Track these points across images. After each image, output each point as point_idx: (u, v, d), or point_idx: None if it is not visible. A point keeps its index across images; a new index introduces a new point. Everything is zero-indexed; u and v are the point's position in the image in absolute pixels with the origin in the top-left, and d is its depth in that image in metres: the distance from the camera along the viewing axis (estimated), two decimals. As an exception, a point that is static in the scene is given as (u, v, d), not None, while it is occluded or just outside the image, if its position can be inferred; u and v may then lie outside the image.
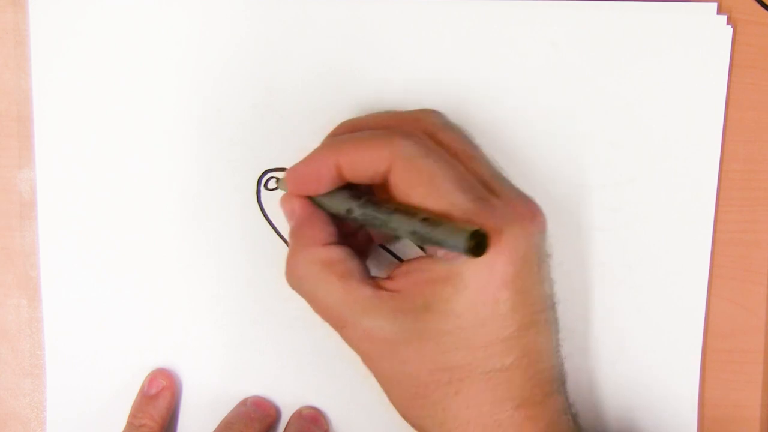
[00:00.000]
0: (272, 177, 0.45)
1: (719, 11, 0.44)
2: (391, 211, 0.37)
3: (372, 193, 0.40)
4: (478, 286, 0.36)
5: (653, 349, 0.45)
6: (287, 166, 0.45)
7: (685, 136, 0.45)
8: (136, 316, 0.46)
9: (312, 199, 0.40)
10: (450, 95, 0.44)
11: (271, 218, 0.45)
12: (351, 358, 0.45)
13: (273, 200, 0.45)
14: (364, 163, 0.38)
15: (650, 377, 0.46)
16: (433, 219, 0.36)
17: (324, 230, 0.39)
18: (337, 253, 0.39)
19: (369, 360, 0.38)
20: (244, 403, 0.46)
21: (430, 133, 0.39)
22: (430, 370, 0.37)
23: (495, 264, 0.36)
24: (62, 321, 0.46)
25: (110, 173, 0.45)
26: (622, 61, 0.44)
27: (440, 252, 0.37)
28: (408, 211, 0.37)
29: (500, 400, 0.37)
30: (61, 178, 0.45)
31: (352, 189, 0.40)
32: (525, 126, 0.45)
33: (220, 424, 0.45)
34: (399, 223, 0.37)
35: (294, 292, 0.45)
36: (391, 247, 0.45)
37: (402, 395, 0.38)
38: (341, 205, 0.39)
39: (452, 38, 0.44)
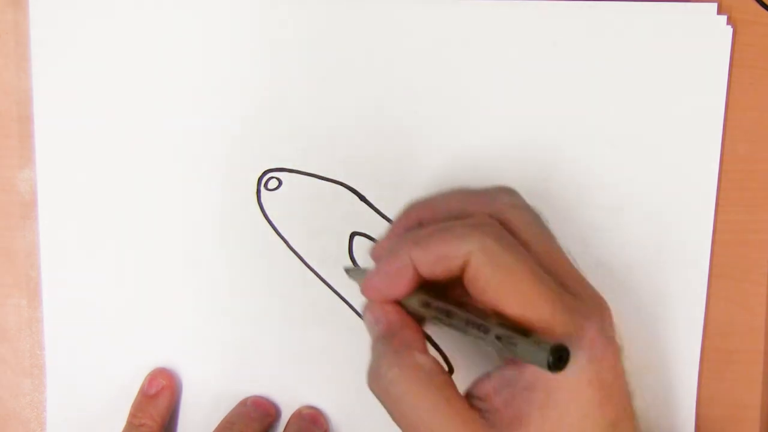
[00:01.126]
0: (272, 177, 0.45)
1: (719, 11, 0.44)
2: (464, 321, 0.36)
3: (445, 291, 0.39)
4: (568, 389, 0.35)
5: (653, 349, 0.45)
6: (287, 166, 0.45)
7: (685, 136, 0.45)
8: (136, 316, 0.46)
9: None
10: (450, 96, 0.44)
11: (271, 218, 0.45)
12: (351, 358, 0.45)
13: (273, 200, 0.45)
14: (439, 260, 0.37)
15: (650, 377, 0.46)
16: (508, 335, 0.35)
17: (418, 336, 0.38)
18: (432, 362, 0.37)
19: None
20: (244, 403, 0.46)
21: (505, 217, 0.38)
22: None
23: (579, 365, 0.35)
24: (62, 321, 0.46)
25: (110, 173, 0.45)
26: (621, 61, 0.44)
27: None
28: (482, 325, 0.36)
29: None
30: (61, 178, 0.45)
31: (423, 290, 0.39)
32: (525, 126, 0.45)
33: (220, 423, 0.45)
34: (475, 336, 0.36)
35: (294, 293, 0.45)
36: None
37: None
38: (413, 305, 0.38)
39: (452, 38, 0.44)
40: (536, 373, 0.36)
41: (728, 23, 0.44)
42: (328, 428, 0.46)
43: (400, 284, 0.38)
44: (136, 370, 0.46)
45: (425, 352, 0.37)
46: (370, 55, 0.44)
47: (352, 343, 0.45)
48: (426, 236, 0.37)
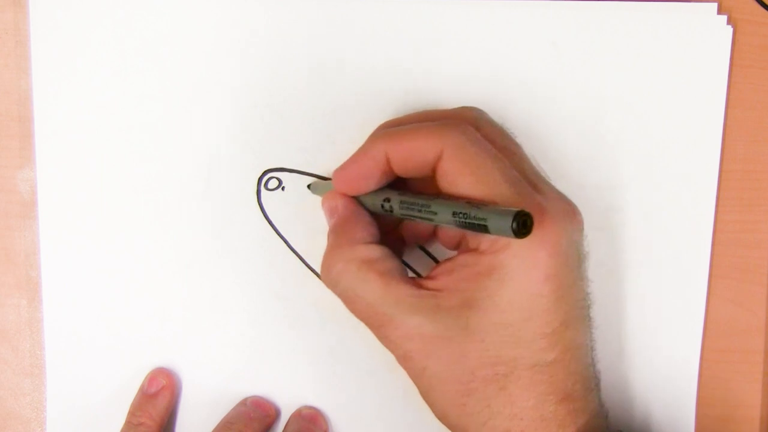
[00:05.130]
0: (272, 177, 0.45)
1: (719, 11, 0.44)
2: (432, 197, 0.37)
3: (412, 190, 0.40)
4: (521, 279, 0.36)
5: (653, 349, 0.45)
6: (287, 166, 0.45)
7: (685, 136, 0.45)
8: (136, 316, 0.46)
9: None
10: (450, 96, 0.44)
11: (271, 218, 0.45)
12: (351, 358, 0.45)
13: (273, 200, 0.45)
14: (414, 152, 0.38)
15: (650, 377, 0.46)
16: (477, 203, 0.35)
17: (365, 229, 0.39)
18: (378, 251, 0.38)
19: (409, 360, 0.38)
20: (243, 402, 0.46)
21: (474, 127, 0.39)
22: (474, 366, 0.36)
23: (538, 257, 0.36)
24: (62, 321, 0.46)
25: (110, 173, 0.45)
26: (622, 61, 0.44)
27: (483, 244, 0.37)
28: (450, 196, 0.37)
29: (544, 395, 0.37)
30: (61, 178, 0.45)
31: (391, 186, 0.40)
32: (525, 126, 0.45)
33: (219, 423, 0.45)
34: (441, 206, 0.36)
35: (294, 293, 0.45)
36: (428, 249, 0.45)
37: (445, 395, 0.37)
38: (380, 195, 0.39)
39: (452, 38, 0.44)
40: (493, 261, 0.36)
41: (728, 23, 0.44)
42: (327, 428, 0.46)
43: (372, 176, 0.39)
44: (136, 370, 0.46)
45: (371, 242, 0.39)
46: (370, 55, 0.44)
47: (353, 343, 0.45)
48: (401, 132, 0.38)
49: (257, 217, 0.45)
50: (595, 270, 0.45)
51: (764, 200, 0.45)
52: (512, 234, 0.33)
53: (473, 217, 0.35)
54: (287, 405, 0.46)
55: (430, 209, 0.37)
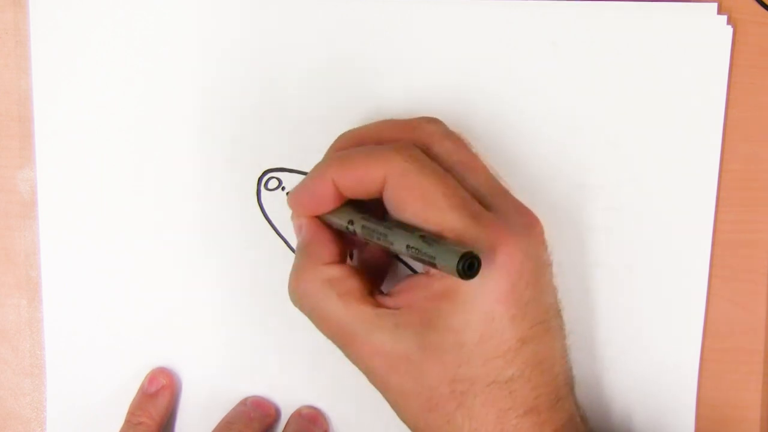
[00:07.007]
0: (272, 177, 0.45)
1: (719, 11, 0.44)
2: (391, 225, 0.37)
3: (379, 208, 0.40)
4: (473, 302, 0.36)
5: (653, 349, 0.45)
6: (287, 166, 0.45)
7: (685, 136, 0.45)
8: (136, 316, 0.46)
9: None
10: (450, 96, 0.44)
11: (271, 218, 0.45)
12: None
13: (273, 200, 0.45)
14: (358, 181, 0.38)
15: (649, 377, 0.46)
16: (429, 237, 0.36)
17: (327, 249, 0.40)
18: (338, 271, 0.39)
19: (375, 376, 0.39)
20: (243, 402, 0.46)
21: (427, 143, 0.39)
22: (432, 384, 0.37)
23: (489, 280, 0.36)
24: (62, 321, 0.46)
25: (110, 173, 0.45)
26: (622, 61, 0.44)
27: (433, 269, 0.37)
28: (407, 227, 0.37)
29: (504, 410, 0.37)
30: (61, 178, 0.45)
31: (358, 203, 0.40)
32: (525, 126, 0.45)
33: (219, 423, 0.45)
34: (397, 237, 0.37)
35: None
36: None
37: (410, 410, 0.38)
38: (343, 218, 0.40)
39: (452, 38, 0.44)
40: (445, 285, 0.37)
41: (728, 23, 0.44)
42: (327, 428, 0.46)
43: (323, 201, 0.39)
44: (136, 370, 0.46)
45: (334, 262, 0.39)
46: (370, 54, 0.44)
47: (352, 343, 0.45)
48: (347, 158, 0.39)
49: (257, 217, 0.45)
50: (594, 270, 0.45)
51: (764, 200, 0.45)
52: (457, 275, 0.34)
53: (423, 253, 0.36)
54: (287, 405, 0.46)
55: (387, 238, 0.37)
